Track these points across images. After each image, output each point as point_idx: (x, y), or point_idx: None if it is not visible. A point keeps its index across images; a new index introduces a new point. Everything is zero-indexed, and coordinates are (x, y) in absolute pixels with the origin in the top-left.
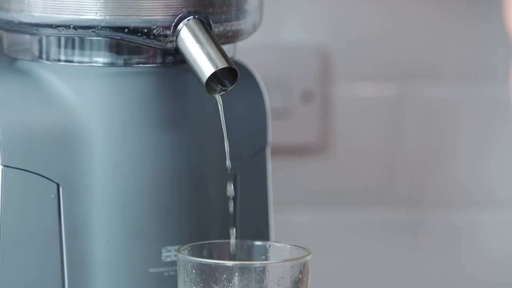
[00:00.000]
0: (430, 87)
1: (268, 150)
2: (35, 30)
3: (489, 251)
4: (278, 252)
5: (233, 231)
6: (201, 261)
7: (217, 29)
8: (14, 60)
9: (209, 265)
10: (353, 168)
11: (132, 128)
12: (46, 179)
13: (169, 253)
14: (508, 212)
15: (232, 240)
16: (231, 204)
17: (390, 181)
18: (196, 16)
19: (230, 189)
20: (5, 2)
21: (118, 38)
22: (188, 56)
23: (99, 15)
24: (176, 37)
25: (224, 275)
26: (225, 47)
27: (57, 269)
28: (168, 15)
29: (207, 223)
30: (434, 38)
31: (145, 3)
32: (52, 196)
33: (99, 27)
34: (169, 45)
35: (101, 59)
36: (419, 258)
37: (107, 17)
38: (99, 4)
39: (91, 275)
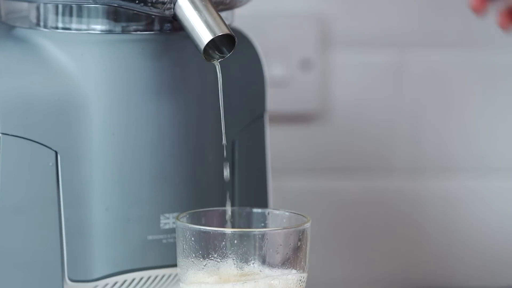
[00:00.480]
0: (429, 53)
1: (266, 117)
2: None
3: (488, 218)
4: (277, 220)
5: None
6: (199, 228)
7: None
8: (12, 27)
9: (208, 232)
10: (352, 135)
11: (130, 95)
12: (44, 147)
13: (167, 221)
14: (508, 179)
15: (228, 208)
16: (227, 178)
17: (389, 148)
18: None
19: (226, 173)
20: None
21: (115, 5)
22: (186, 23)
23: None
24: (174, 4)
25: (223, 243)
26: (223, 14)
27: (56, 237)
28: None
29: (206, 190)
30: (433, 4)
31: None
32: (51, 164)
33: None
34: (167, 12)
35: (99, 26)
36: (418, 224)
37: None
38: None
39: (89, 242)
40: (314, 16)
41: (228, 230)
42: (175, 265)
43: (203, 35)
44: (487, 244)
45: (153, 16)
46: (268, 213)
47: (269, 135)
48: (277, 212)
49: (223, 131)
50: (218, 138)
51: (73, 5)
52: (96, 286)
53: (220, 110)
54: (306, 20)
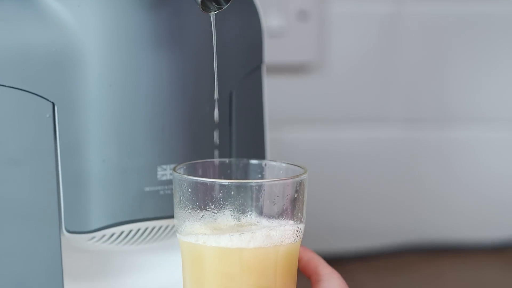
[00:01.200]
0: (426, 4)
1: (264, 69)
2: None
3: (484, 168)
4: (274, 171)
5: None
6: (196, 179)
7: None
8: None
9: (205, 183)
10: (349, 86)
11: (127, 46)
12: (41, 98)
13: (164, 172)
14: (504, 129)
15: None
16: (216, 134)
17: (385, 99)
18: None
19: (216, 115)
20: None
21: None
22: None
23: None
24: None
25: (220, 194)
26: None
27: (53, 188)
28: None
29: (203, 142)
30: None
31: None
32: (48, 115)
33: None
34: None
35: None
36: (415, 175)
37: None
38: None
39: (86, 193)
40: None
41: (225, 181)
42: (172, 217)
43: None
44: (485, 194)
45: None
46: (265, 164)
47: (266, 86)
48: (274, 163)
49: (216, 85)
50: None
51: None
52: (93, 237)
53: (214, 63)
54: None
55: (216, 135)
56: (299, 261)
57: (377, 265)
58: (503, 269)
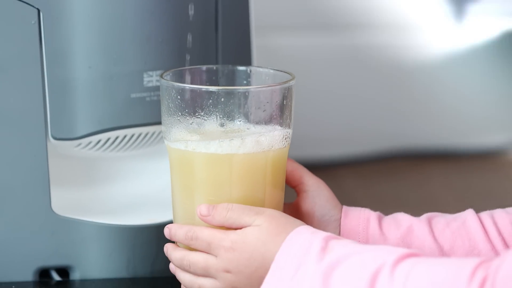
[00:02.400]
0: None
1: None
2: None
3: (473, 75)
4: (262, 77)
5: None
6: (185, 86)
7: None
8: None
9: (195, 90)
10: None
11: None
12: (26, 4)
13: (151, 78)
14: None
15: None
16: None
17: (371, 5)
18: None
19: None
20: None
21: None
22: None
23: None
24: None
25: (210, 101)
26: None
27: (39, 95)
28: None
29: (188, 48)
30: None
31: None
32: (33, 22)
33: None
34: None
35: None
36: (402, 81)
37: None
38: None
39: (72, 100)
40: None
41: (214, 88)
42: (158, 123)
43: None
44: (472, 101)
45: None
46: (253, 71)
47: None
48: (262, 69)
49: None
50: None
51: None
52: (79, 144)
53: None
54: None
55: (189, 38)
56: None
57: (365, 171)
58: (489, 174)
